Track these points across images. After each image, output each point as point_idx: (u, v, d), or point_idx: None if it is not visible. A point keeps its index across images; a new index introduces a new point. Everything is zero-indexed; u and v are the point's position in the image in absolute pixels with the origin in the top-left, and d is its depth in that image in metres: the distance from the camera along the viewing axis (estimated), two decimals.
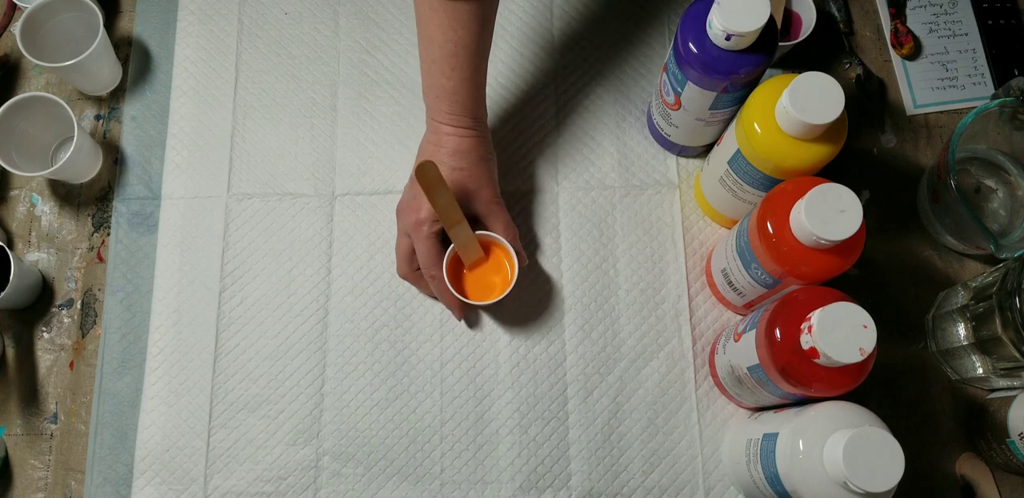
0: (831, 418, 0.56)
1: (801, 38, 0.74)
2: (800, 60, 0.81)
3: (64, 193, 0.79)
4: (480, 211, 0.70)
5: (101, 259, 0.77)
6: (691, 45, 0.62)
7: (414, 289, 0.75)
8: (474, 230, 0.69)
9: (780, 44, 0.69)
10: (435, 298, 0.74)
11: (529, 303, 0.75)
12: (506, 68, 0.81)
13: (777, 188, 0.61)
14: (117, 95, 0.82)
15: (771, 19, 0.60)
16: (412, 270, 0.72)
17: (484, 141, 0.70)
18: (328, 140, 0.80)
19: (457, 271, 0.73)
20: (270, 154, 0.80)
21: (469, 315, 0.74)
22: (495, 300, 0.70)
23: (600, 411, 0.72)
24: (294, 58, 0.82)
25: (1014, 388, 0.69)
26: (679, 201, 0.78)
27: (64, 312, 0.76)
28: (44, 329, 0.76)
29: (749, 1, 0.59)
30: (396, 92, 0.81)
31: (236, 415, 0.73)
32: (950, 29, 0.82)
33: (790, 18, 0.76)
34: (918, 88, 0.80)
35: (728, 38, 0.60)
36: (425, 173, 0.63)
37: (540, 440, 0.71)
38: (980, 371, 0.69)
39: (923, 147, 0.79)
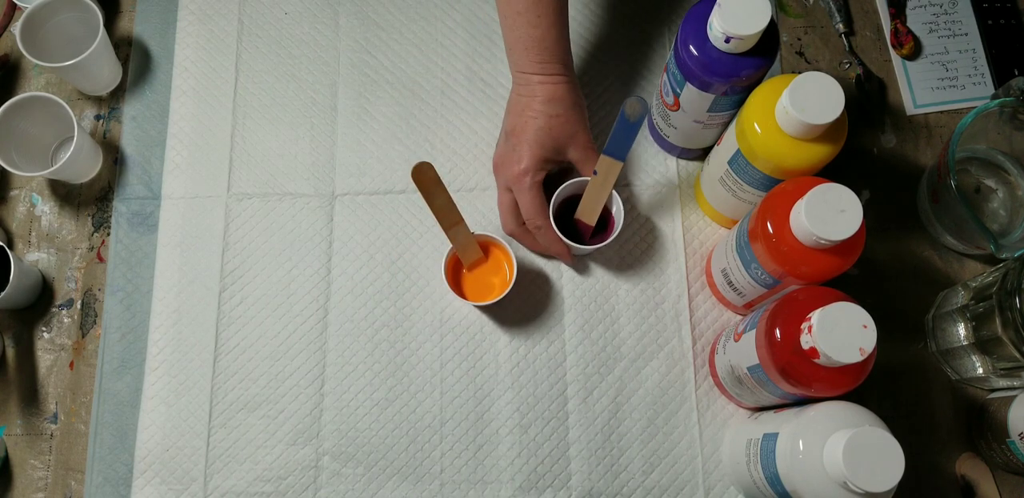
0: (831, 418, 0.56)
1: (610, 240, 0.71)
2: (800, 60, 0.81)
3: (64, 193, 0.79)
4: (575, 157, 0.71)
5: (101, 259, 0.77)
6: (691, 47, 0.62)
7: (414, 289, 0.75)
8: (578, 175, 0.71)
9: (588, 246, 0.71)
10: (542, 254, 0.75)
11: (529, 303, 0.75)
12: (506, 68, 0.81)
13: (777, 188, 0.61)
14: (117, 95, 0.82)
15: (772, 23, 0.60)
16: (518, 225, 0.72)
17: (575, 87, 0.70)
18: (328, 140, 0.80)
19: (456, 272, 0.73)
20: (270, 154, 0.80)
21: (474, 311, 0.75)
22: (494, 300, 0.70)
23: (600, 411, 0.72)
24: (294, 58, 0.82)
25: (1014, 388, 0.69)
26: (679, 201, 0.78)
27: (64, 312, 0.76)
28: (44, 329, 0.76)
29: (750, 4, 0.59)
30: (396, 92, 0.81)
31: (236, 415, 0.73)
32: (950, 29, 0.82)
33: (608, 219, 0.74)
34: (918, 88, 0.80)
35: (728, 41, 0.60)
36: (422, 174, 0.63)
37: (540, 440, 0.71)
38: (980, 371, 0.69)
39: (923, 147, 0.79)
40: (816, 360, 0.55)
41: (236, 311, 0.75)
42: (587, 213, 0.71)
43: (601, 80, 0.81)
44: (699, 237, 0.77)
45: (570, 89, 0.69)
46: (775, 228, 0.59)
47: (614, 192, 0.70)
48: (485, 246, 0.73)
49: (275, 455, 0.72)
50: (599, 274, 0.76)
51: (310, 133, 0.80)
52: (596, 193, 0.70)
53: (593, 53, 0.82)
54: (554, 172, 0.73)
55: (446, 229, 0.67)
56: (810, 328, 0.54)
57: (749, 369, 0.62)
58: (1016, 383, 0.69)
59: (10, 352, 0.75)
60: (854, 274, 0.75)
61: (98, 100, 0.82)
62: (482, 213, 0.77)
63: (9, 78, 0.83)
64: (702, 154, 0.77)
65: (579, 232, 0.74)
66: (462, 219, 0.67)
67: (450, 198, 0.65)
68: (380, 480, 0.71)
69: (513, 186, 0.70)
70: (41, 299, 0.76)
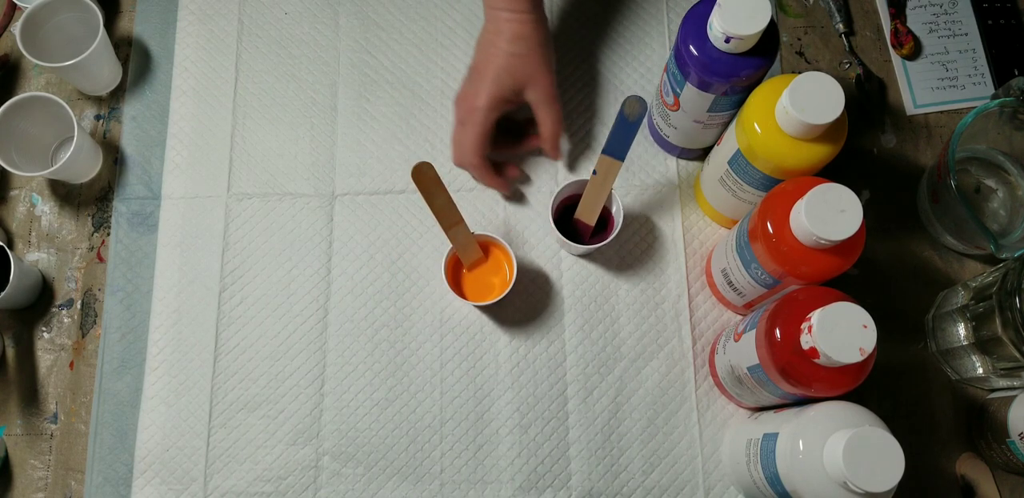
0: (831, 418, 0.56)
1: (609, 239, 0.71)
2: (800, 60, 0.81)
3: (64, 193, 0.79)
4: (533, 99, 0.71)
5: (101, 259, 0.77)
6: (691, 47, 0.62)
7: (414, 289, 0.75)
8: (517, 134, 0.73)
9: (588, 245, 0.71)
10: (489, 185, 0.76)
11: (529, 303, 0.75)
12: None
13: (777, 188, 0.61)
14: (117, 95, 0.82)
15: (772, 23, 0.60)
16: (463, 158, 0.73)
17: (541, 26, 0.70)
18: (328, 140, 0.80)
19: (456, 272, 0.73)
20: (270, 154, 0.80)
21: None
22: (494, 300, 0.70)
23: (600, 411, 0.72)
24: (294, 58, 0.82)
25: (1014, 388, 0.69)
26: (679, 201, 0.78)
27: (64, 312, 0.76)
28: (44, 329, 0.76)
29: (750, 4, 0.59)
30: (396, 92, 0.81)
31: (236, 415, 0.73)
32: (950, 29, 0.82)
33: (608, 219, 0.74)
34: (918, 88, 0.80)
35: (728, 41, 0.60)
36: (422, 174, 0.63)
37: (540, 440, 0.71)
38: (980, 371, 0.69)
39: (923, 147, 0.79)
40: (816, 360, 0.55)
41: (236, 311, 0.75)
42: (587, 213, 0.71)
43: (601, 80, 0.81)
44: (699, 237, 0.77)
45: (535, 27, 0.69)
46: (775, 228, 0.59)
47: (614, 192, 0.70)
48: (485, 246, 0.73)
49: (275, 455, 0.72)
50: (599, 274, 0.76)
51: (310, 133, 0.80)
52: (596, 193, 0.70)
53: (593, 53, 0.82)
54: (520, 120, 0.74)
55: (446, 229, 0.67)
56: (810, 328, 0.54)
57: (749, 369, 0.62)
58: (1016, 383, 0.69)
59: (10, 352, 0.75)
60: (854, 274, 0.75)
61: (98, 100, 0.82)
62: (482, 213, 0.77)
63: (9, 78, 0.83)
64: (702, 154, 0.77)
65: (579, 232, 0.74)
66: (462, 219, 0.67)
67: (450, 198, 0.65)
68: (380, 480, 0.71)
69: (465, 120, 0.71)
70: (41, 299, 0.76)
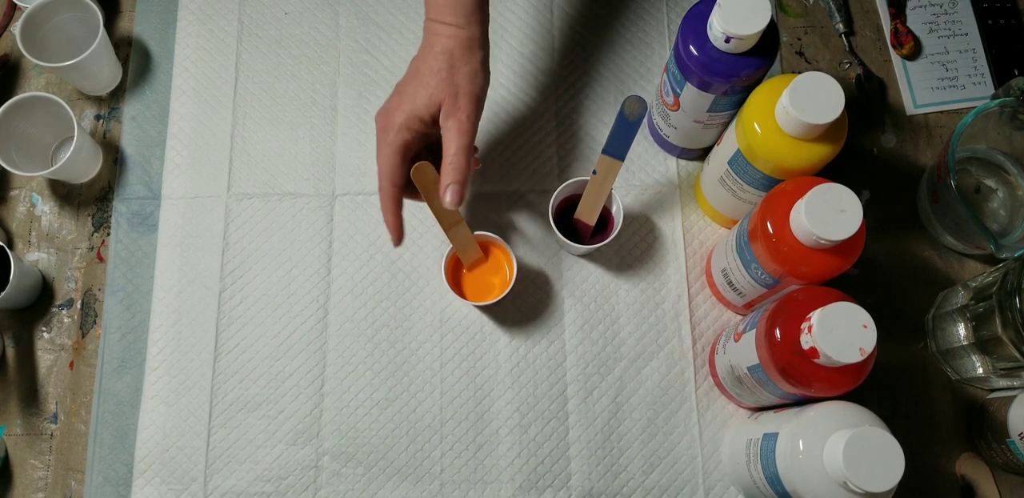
0: (831, 418, 0.56)
1: (609, 239, 0.70)
2: (800, 60, 0.81)
3: (64, 193, 0.79)
4: (442, 124, 0.62)
5: (101, 259, 0.77)
6: (691, 47, 0.62)
7: (414, 289, 0.75)
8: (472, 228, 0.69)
9: (588, 245, 0.70)
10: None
11: (529, 303, 0.75)
12: (506, 68, 0.81)
13: (777, 188, 0.61)
14: (117, 95, 0.82)
15: (772, 23, 0.60)
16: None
17: (477, 46, 0.62)
18: (328, 140, 0.80)
19: (457, 271, 0.73)
20: (270, 154, 0.80)
21: (464, 310, 0.74)
22: (494, 300, 0.70)
23: (600, 411, 0.72)
24: (294, 58, 0.82)
25: (1014, 388, 0.69)
26: (679, 201, 0.78)
27: (64, 312, 0.76)
28: (44, 329, 0.76)
29: (750, 4, 0.59)
30: None
31: (236, 415, 0.73)
32: (950, 29, 0.82)
33: (608, 219, 0.73)
34: (918, 88, 0.80)
35: (728, 41, 0.60)
36: (423, 174, 0.63)
37: (540, 440, 0.71)
38: (980, 371, 0.69)
39: (923, 147, 0.79)
40: (816, 360, 0.55)
41: (236, 311, 0.75)
42: (586, 213, 0.71)
43: (601, 80, 0.81)
44: (699, 237, 0.77)
45: (468, 46, 0.62)
46: (775, 228, 0.59)
47: (614, 192, 0.70)
48: (485, 246, 0.73)
49: (275, 455, 0.72)
50: (599, 274, 0.76)
51: (310, 133, 0.80)
52: (595, 193, 0.70)
53: (593, 53, 0.82)
54: (434, 140, 0.64)
55: (446, 229, 0.67)
56: (810, 328, 0.54)
57: (749, 369, 0.62)
58: (1016, 383, 0.69)
59: (10, 352, 0.75)
60: (854, 274, 0.75)
61: (98, 100, 0.82)
62: (482, 213, 0.77)
63: (9, 78, 0.83)
64: (702, 154, 0.77)
65: (579, 232, 0.74)
66: (462, 219, 0.67)
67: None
68: (380, 480, 0.71)
69: (379, 138, 0.63)
70: (41, 299, 0.76)
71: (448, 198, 0.61)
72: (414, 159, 0.64)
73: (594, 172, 0.68)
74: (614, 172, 0.68)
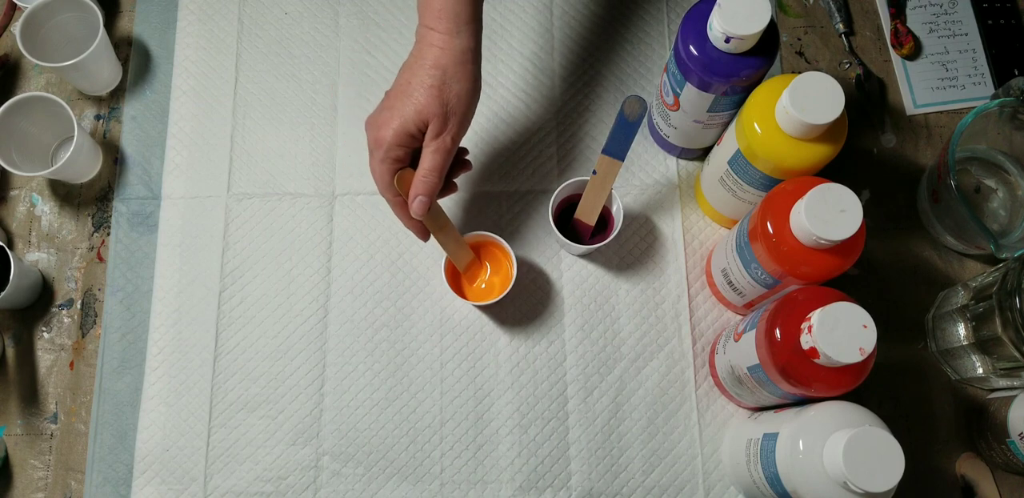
0: (831, 418, 0.56)
1: (609, 239, 0.71)
2: (800, 60, 0.81)
3: (64, 193, 0.79)
4: (426, 137, 0.62)
5: (101, 259, 0.77)
6: (691, 47, 0.62)
7: (414, 289, 0.75)
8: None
9: (588, 245, 0.70)
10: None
11: (529, 303, 0.75)
12: (506, 68, 0.81)
13: (777, 188, 0.61)
14: (117, 95, 0.82)
15: (772, 23, 0.60)
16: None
17: (469, 57, 0.62)
18: (328, 140, 0.80)
19: (456, 271, 0.72)
20: (270, 154, 0.80)
21: (465, 310, 0.74)
22: (494, 300, 0.70)
23: (600, 411, 0.72)
24: (294, 58, 0.82)
25: (1014, 388, 0.69)
26: (679, 201, 0.78)
27: (64, 312, 0.76)
28: (44, 329, 0.76)
29: (750, 4, 0.59)
30: None
31: (236, 415, 0.73)
32: (950, 29, 0.82)
33: (608, 218, 0.73)
34: (918, 88, 0.80)
35: (728, 41, 0.60)
36: (404, 181, 0.63)
37: (540, 440, 0.71)
38: (980, 371, 0.69)
39: (923, 147, 0.79)
40: (816, 360, 0.55)
41: (236, 311, 0.75)
42: (586, 213, 0.71)
43: (601, 80, 0.81)
44: (699, 237, 0.77)
45: (460, 58, 0.61)
46: (775, 228, 0.59)
47: (614, 192, 0.70)
48: (485, 245, 0.73)
49: (275, 455, 0.72)
50: (599, 274, 0.76)
51: (310, 133, 0.80)
52: (595, 193, 0.70)
53: (593, 53, 0.82)
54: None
55: (435, 234, 0.67)
56: (810, 328, 0.54)
57: (749, 369, 0.62)
58: (1016, 383, 0.69)
59: (10, 352, 0.75)
60: (854, 274, 0.75)
61: (98, 100, 0.82)
62: (482, 213, 0.77)
63: (9, 78, 0.83)
64: (702, 154, 0.77)
65: (579, 232, 0.74)
66: (448, 222, 0.67)
67: (435, 203, 0.65)
68: (380, 480, 0.71)
69: (373, 151, 0.63)
70: (41, 299, 0.76)
71: (414, 207, 0.63)
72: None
73: (594, 172, 0.68)
74: (614, 172, 0.68)
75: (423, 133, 0.62)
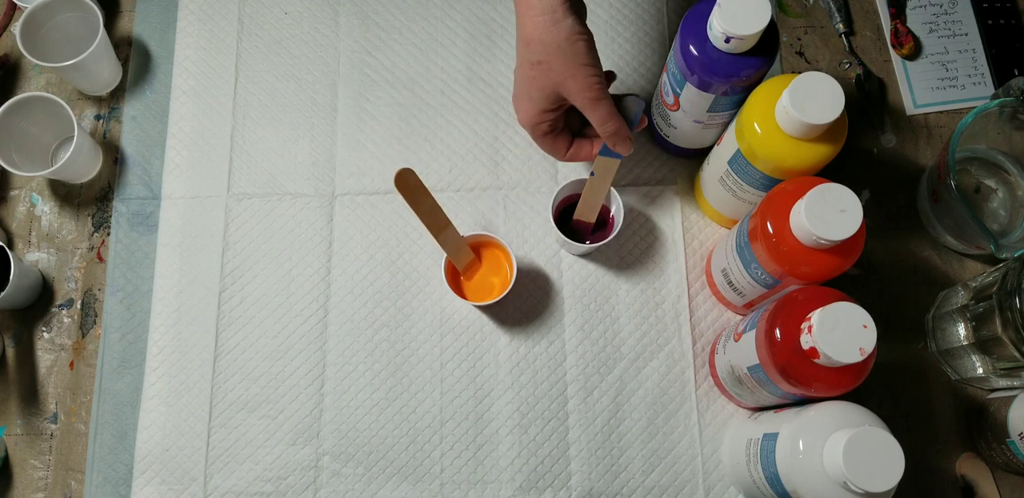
0: (831, 418, 0.56)
1: (609, 239, 0.71)
2: (800, 60, 0.81)
3: (64, 193, 0.79)
4: (575, 103, 0.64)
5: (101, 259, 0.77)
6: (691, 47, 0.62)
7: (414, 289, 0.76)
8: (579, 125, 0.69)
9: (588, 245, 0.70)
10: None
11: (529, 303, 0.75)
12: (506, 68, 0.81)
13: (777, 188, 0.61)
14: (117, 95, 0.82)
15: (772, 23, 0.60)
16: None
17: (561, 25, 0.60)
18: (328, 140, 0.80)
19: (456, 271, 0.72)
20: (270, 154, 0.80)
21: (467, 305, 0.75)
22: (494, 300, 0.70)
23: (600, 411, 0.72)
24: (294, 58, 0.82)
25: (1014, 388, 0.69)
26: (679, 201, 0.78)
27: (64, 312, 0.76)
28: (44, 329, 0.76)
29: (750, 4, 0.59)
30: (396, 92, 0.81)
31: (236, 415, 0.73)
32: (950, 29, 0.82)
33: (608, 218, 0.74)
34: (918, 88, 0.80)
35: (728, 41, 0.60)
36: (404, 181, 0.62)
37: (540, 440, 0.71)
38: (980, 371, 0.69)
39: (923, 147, 0.79)
40: (816, 360, 0.55)
41: (236, 311, 0.75)
42: (586, 212, 0.72)
43: None
44: (699, 237, 0.77)
45: (549, 28, 0.60)
46: (775, 228, 0.59)
47: (614, 191, 0.70)
48: (485, 246, 0.73)
49: (275, 455, 0.72)
50: (599, 274, 0.76)
51: (310, 133, 0.80)
52: (594, 192, 0.70)
53: None
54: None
55: (435, 234, 0.67)
56: (810, 328, 0.54)
57: (749, 369, 0.62)
58: (1016, 383, 0.69)
59: (10, 352, 0.75)
60: (854, 274, 0.75)
61: (98, 100, 0.82)
62: (482, 213, 0.77)
63: (9, 78, 0.83)
64: (702, 154, 0.77)
65: (579, 232, 0.74)
66: (450, 223, 0.67)
67: (435, 202, 0.65)
68: (380, 480, 0.71)
69: (529, 132, 0.68)
70: (41, 299, 0.76)
71: (621, 150, 0.66)
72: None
73: (592, 173, 0.68)
74: (612, 171, 0.68)
75: (558, 103, 0.64)
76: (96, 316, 0.76)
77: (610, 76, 0.68)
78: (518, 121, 0.67)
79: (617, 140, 0.65)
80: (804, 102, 0.58)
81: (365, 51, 0.82)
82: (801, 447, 0.56)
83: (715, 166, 0.70)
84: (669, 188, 0.78)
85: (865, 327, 0.54)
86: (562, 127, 0.68)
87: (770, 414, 0.65)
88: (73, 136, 0.73)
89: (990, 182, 0.76)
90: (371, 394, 0.73)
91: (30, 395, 0.74)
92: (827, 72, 0.67)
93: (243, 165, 0.79)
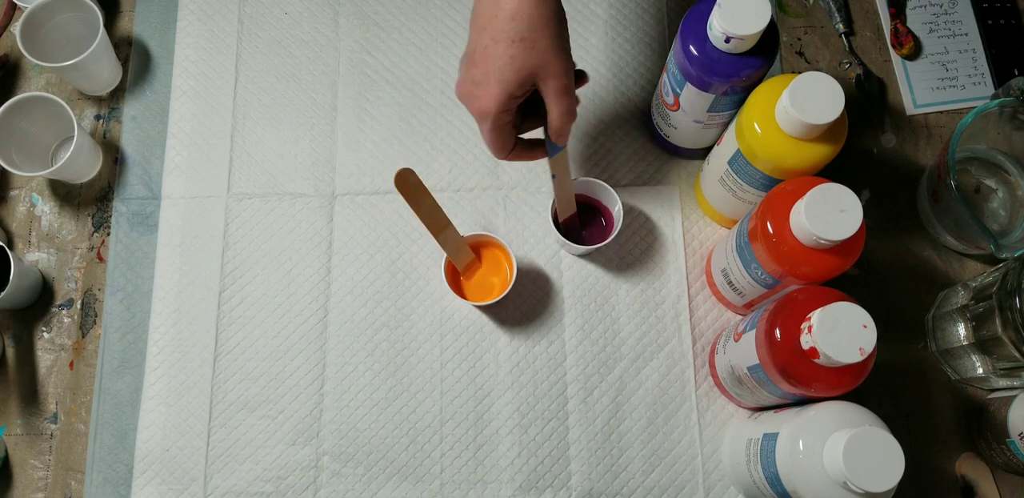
0: (831, 418, 0.56)
1: (609, 239, 0.70)
2: (800, 60, 0.81)
3: (64, 193, 0.79)
4: (542, 89, 0.58)
5: (101, 259, 0.77)
6: (691, 47, 0.62)
7: (414, 289, 0.76)
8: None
9: (588, 245, 0.69)
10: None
11: (529, 303, 0.75)
12: None
13: (777, 188, 0.61)
14: (117, 95, 0.82)
15: (772, 23, 0.60)
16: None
17: (550, 1, 0.56)
18: (328, 140, 0.80)
19: (456, 271, 0.72)
20: (270, 154, 0.80)
21: (462, 306, 0.75)
22: (494, 300, 0.70)
23: (600, 411, 0.72)
24: (294, 58, 0.82)
25: (1014, 388, 0.69)
26: (679, 201, 0.78)
27: (64, 312, 0.76)
28: (44, 329, 0.76)
29: (750, 4, 0.59)
30: (396, 92, 0.81)
31: (236, 415, 0.73)
32: (950, 29, 0.82)
33: (608, 218, 0.73)
34: (918, 88, 0.80)
35: (728, 41, 0.60)
36: (404, 180, 0.62)
37: (540, 440, 0.71)
38: (980, 371, 0.69)
39: (923, 147, 0.79)
40: (816, 360, 0.55)
41: (236, 311, 0.75)
42: (564, 208, 0.71)
43: (601, 80, 0.81)
44: (699, 237, 0.77)
45: (539, 2, 0.55)
46: (775, 228, 0.59)
47: (614, 192, 0.70)
48: (485, 246, 0.73)
49: (275, 455, 0.72)
50: (599, 274, 0.76)
51: (310, 133, 0.80)
52: (563, 187, 0.69)
53: (592, 53, 0.82)
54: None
55: (435, 234, 0.67)
56: (810, 328, 0.54)
57: (749, 369, 0.62)
58: (1016, 383, 0.69)
59: (10, 352, 0.75)
60: (854, 274, 0.75)
61: (98, 100, 0.82)
62: (482, 213, 0.77)
63: (9, 78, 0.83)
64: (702, 154, 0.77)
65: (574, 231, 0.74)
66: (450, 223, 0.67)
67: (435, 202, 0.65)
68: (380, 480, 0.71)
69: (480, 122, 0.60)
70: (41, 299, 0.76)
71: (563, 142, 0.62)
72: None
73: (553, 176, 0.67)
74: (566, 163, 0.66)
75: (526, 89, 0.58)
76: (96, 316, 0.76)
77: (582, 78, 0.64)
78: (475, 108, 0.59)
79: (564, 132, 0.61)
80: (804, 102, 0.58)
81: (365, 51, 0.82)
82: (801, 447, 0.56)
83: (715, 166, 0.70)
84: (669, 188, 0.78)
85: (865, 327, 0.54)
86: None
87: (770, 414, 0.65)
88: (73, 136, 0.73)
89: (990, 182, 0.76)
90: (371, 394, 0.73)
91: (30, 395, 0.74)
92: (827, 72, 0.67)
93: (243, 165, 0.79)
